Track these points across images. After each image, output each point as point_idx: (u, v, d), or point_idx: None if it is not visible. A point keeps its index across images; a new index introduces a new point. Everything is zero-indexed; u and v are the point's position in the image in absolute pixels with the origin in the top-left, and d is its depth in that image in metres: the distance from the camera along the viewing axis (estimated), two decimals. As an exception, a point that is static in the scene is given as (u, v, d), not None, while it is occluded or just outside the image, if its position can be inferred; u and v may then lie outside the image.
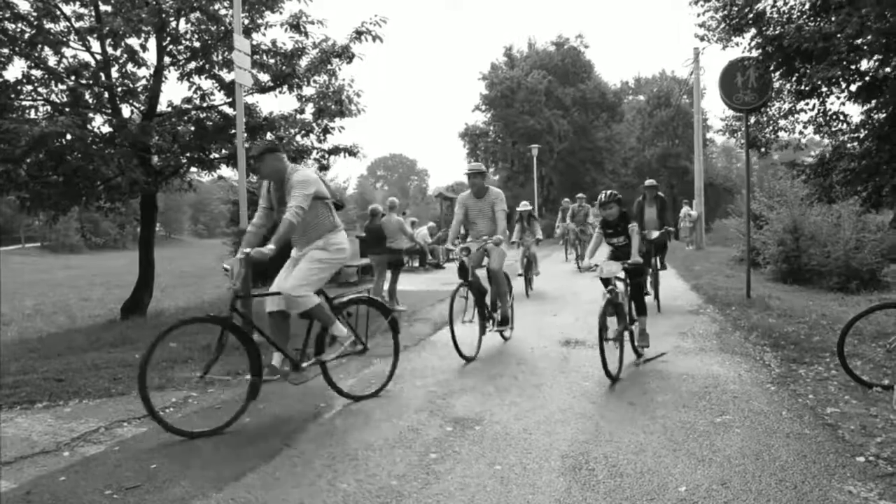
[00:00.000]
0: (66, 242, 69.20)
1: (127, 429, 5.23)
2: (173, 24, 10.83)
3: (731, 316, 9.77)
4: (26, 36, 10.28)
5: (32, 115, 10.79)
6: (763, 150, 11.79)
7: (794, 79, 9.76)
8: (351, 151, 12.35)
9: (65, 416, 5.54)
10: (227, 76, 11.34)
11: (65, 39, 10.77)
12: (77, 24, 10.90)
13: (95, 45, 11.05)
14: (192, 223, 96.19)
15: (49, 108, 10.95)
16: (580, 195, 21.24)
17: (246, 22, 10.96)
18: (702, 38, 10.98)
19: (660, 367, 6.83)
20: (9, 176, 10.60)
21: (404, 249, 12.09)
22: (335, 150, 12.34)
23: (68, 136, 9.98)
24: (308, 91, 11.75)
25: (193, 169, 12.50)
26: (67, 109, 10.64)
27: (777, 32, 9.25)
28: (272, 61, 11.36)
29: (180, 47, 11.12)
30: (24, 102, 10.95)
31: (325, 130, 12.05)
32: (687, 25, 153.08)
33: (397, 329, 6.42)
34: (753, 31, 10.16)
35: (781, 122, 11.32)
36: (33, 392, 6.20)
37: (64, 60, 10.80)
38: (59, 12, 10.61)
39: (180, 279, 29.44)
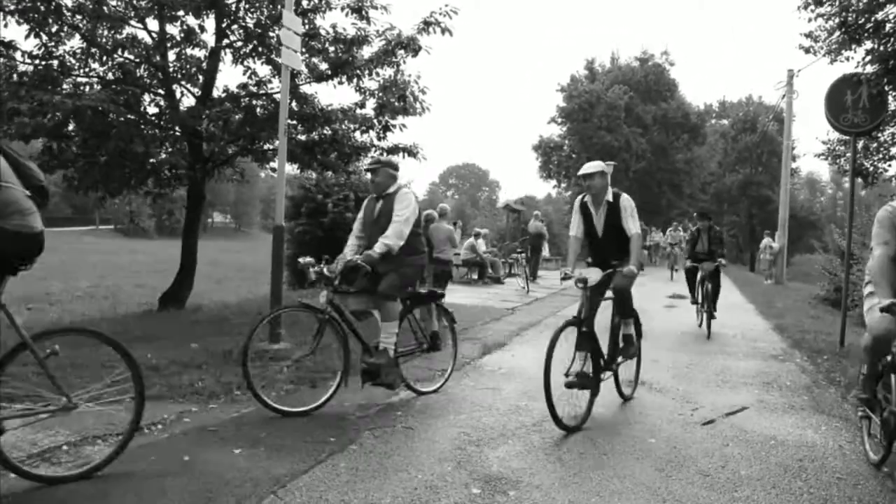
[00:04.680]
0: (140, 227, 71.10)
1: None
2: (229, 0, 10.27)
3: (822, 367, 8.48)
4: (89, 7, 9.82)
5: (87, 91, 10.41)
6: (870, 179, 10.49)
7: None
8: (410, 151, 11.53)
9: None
10: (285, 61, 10.70)
11: (123, 16, 10.30)
12: (137, 3, 10.42)
13: (153, 24, 10.61)
14: (262, 217, 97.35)
15: (100, 85, 10.55)
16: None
17: (305, 3, 10.32)
18: (807, 51, 9.86)
19: (741, 426, 5.69)
20: (52, 153, 10.26)
21: (452, 261, 11.09)
22: (394, 150, 11.54)
23: (111, 115, 9.53)
24: (370, 84, 11.00)
25: (245, 158, 11.93)
26: (117, 87, 10.23)
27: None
28: (332, 48, 10.63)
29: (234, 27, 10.52)
30: (79, 79, 10.63)
31: (386, 127, 11.28)
32: (779, 48, 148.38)
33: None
34: (870, 44, 9.02)
35: (894, 150, 10.09)
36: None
37: (117, 37, 10.37)
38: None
39: (238, 272, 29.24)
